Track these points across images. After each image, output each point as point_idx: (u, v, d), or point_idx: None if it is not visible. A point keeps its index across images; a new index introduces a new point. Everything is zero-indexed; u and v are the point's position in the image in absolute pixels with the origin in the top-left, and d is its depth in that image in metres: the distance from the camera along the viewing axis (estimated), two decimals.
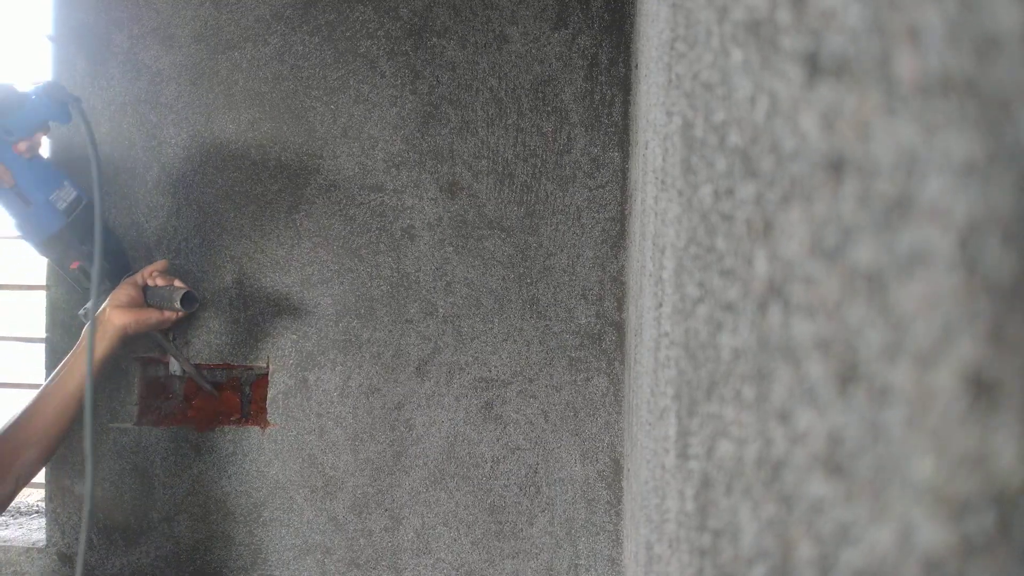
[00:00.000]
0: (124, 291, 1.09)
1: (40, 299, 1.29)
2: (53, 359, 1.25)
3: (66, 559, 1.27)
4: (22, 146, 0.98)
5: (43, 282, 1.29)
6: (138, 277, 1.11)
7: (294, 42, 1.26)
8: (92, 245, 1.02)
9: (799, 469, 0.24)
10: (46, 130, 1.01)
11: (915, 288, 0.18)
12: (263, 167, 1.26)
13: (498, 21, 1.25)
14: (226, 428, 1.27)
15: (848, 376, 0.21)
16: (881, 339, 0.19)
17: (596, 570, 1.23)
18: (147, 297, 1.11)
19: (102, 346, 1.04)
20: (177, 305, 1.09)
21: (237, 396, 1.29)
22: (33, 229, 1.03)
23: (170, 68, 1.27)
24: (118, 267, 1.14)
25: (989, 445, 0.16)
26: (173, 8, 1.26)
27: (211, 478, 1.27)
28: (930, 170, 0.18)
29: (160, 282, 1.11)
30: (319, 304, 1.26)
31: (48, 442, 1.03)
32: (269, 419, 1.26)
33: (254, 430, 1.27)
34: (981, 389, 0.16)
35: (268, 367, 1.27)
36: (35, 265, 1.30)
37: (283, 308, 1.26)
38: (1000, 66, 0.16)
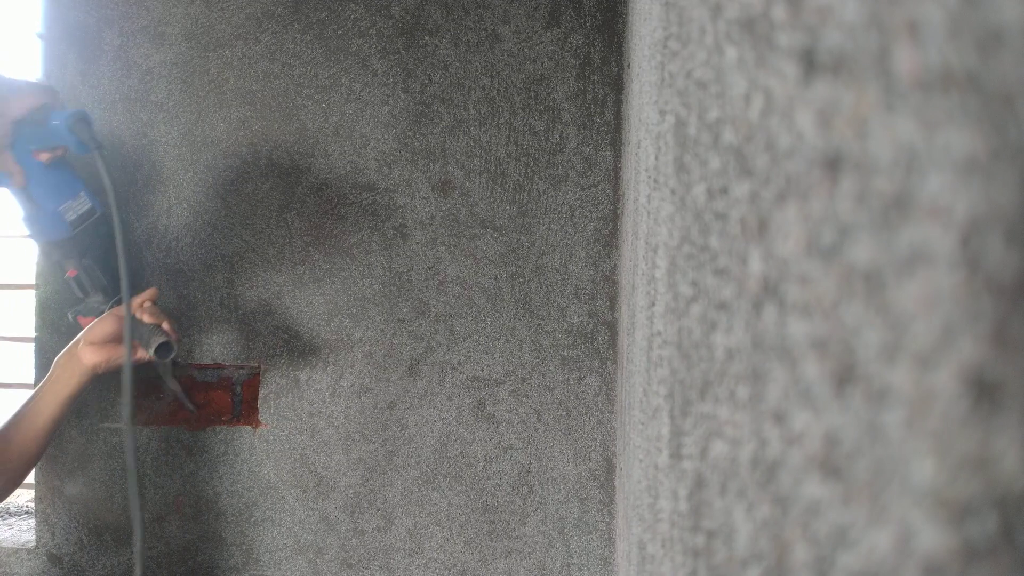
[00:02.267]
0: (103, 326, 1.02)
1: (30, 298, 1.28)
2: (42, 359, 1.24)
3: (56, 560, 1.26)
4: (43, 156, 0.96)
5: (32, 281, 1.28)
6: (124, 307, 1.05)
7: (285, 40, 1.26)
8: (92, 259, 1.04)
9: (795, 470, 0.24)
10: (65, 149, 0.97)
11: (915, 287, 0.18)
12: (254, 166, 1.26)
13: (490, 20, 1.24)
14: (217, 428, 1.26)
15: (845, 377, 0.21)
16: (879, 339, 0.19)
17: (589, 569, 1.23)
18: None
19: (71, 384, 1.00)
20: (151, 352, 1.02)
21: (228, 396, 1.28)
22: (37, 231, 1.02)
23: (161, 66, 1.26)
24: (117, 287, 1.08)
25: (991, 448, 0.16)
26: (164, 6, 1.25)
27: (202, 478, 1.26)
28: (930, 167, 0.17)
29: (147, 318, 1.05)
30: (311, 303, 1.25)
31: (15, 473, 1.01)
32: (261, 419, 1.26)
33: (246, 430, 1.26)
34: (983, 390, 0.16)
35: (259, 366, 1.26)
36: (25, 264, 1.27)
37: (274, 307, 1.26)
38: (1003, 60, 0.16)
